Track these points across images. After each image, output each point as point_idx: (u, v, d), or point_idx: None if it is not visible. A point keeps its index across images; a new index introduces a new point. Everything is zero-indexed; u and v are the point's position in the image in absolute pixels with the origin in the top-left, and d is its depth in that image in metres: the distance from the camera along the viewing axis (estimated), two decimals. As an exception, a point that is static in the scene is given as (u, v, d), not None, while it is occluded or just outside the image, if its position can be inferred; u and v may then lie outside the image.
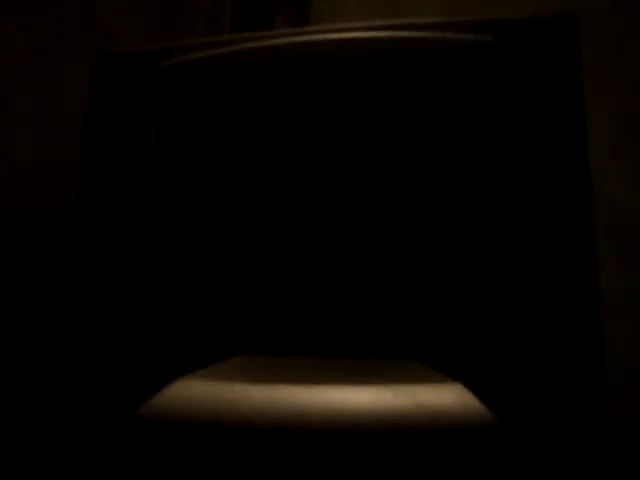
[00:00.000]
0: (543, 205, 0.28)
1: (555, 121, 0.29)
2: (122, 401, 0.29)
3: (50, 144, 0.50)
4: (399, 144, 0.31)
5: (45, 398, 0.46)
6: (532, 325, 0.27)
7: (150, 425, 0.29)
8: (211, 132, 0.32)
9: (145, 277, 0.30)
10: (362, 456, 0.27)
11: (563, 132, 0.28)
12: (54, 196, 0.50)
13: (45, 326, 0.47)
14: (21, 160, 0.49)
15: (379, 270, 0.31)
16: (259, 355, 0.31)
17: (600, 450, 0.26)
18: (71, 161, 0.48)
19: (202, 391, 0.29)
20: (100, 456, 0.30)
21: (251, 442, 0.28)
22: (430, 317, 0.30)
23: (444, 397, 0.27)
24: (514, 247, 0.27)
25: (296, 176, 0.32)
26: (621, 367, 0.52)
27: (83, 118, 0.37)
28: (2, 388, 0.45)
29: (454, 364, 0.28)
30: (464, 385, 0.27)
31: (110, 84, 0.33)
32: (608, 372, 0.27)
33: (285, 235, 0.32)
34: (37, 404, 0.46)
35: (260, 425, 0.27)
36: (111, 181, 0.32)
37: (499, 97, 0.29)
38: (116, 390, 0.30)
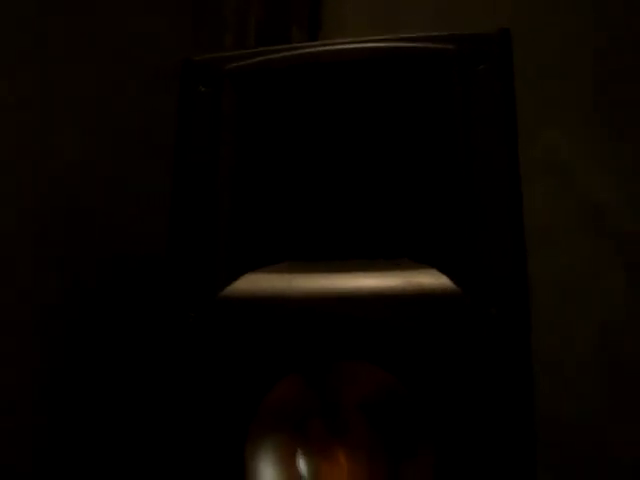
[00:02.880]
0: (484, 160, 0.43)
1: (494, 106, 0.44)
2: (208, 288, 0.44)
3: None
4: (387, 122, 0.46)
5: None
6: (485, 227, 0.42)
7: (229, 304, 0.43)
8: (269, 117, 0.47)
9: (227, 206, 0.45)
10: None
11: (499, 115, 0.43)
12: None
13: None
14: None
15: (374, 201, 0.45)
16: (300, 260, 0.45)
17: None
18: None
19: (265, 280, 0.44)
20: (189, 333, 0.44)
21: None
22: (411, 227, 0.44)
23: (425, 278, 0.42)
24: (467, 174, 0.42)
25: (324, 143, 0.47)
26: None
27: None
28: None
29: (431, 256, 0.43)
30: (439, 270, 0.42)
31: (192, 82, 0.48)
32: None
33: (316, 181, 0.46)
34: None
35: (304, 295, 0.42)
36: (199, 151, 0.46)
37: (459, 88, 0.44)
38: (204, 280, 0.44)
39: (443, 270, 0.42)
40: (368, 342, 0.42)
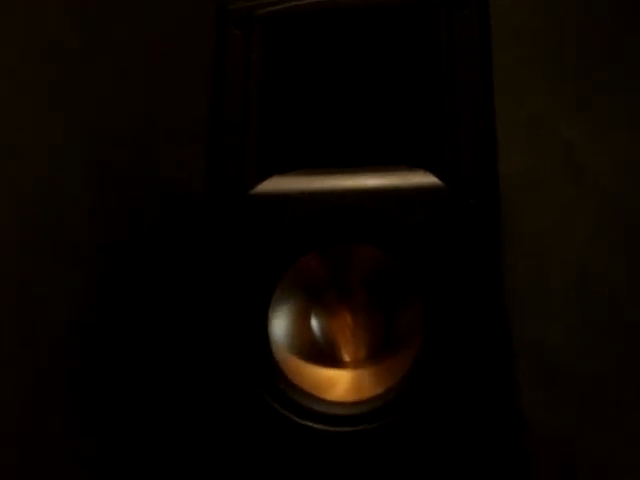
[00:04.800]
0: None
1: (475, 41, 0.54)
2: (242, 186, 0.54)
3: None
4: (387, 57, 0.56)
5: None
6: (465, 137, 0.52)
7: (258, 199, 0.54)
8: (290, 53, 0.57)
9: (255, 124, 0.55)
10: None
11: (479, 48, 0.54)
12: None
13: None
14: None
15: (376, 119, 0.55)
16: (315, 168, 0.56)
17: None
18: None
19: (287, 181, 0.54)
20: (225, 225, 0.54)
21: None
22: (405, 139, 0.54)
23: (417, 177, 0.52)
24: (451, 96, 0.52)
25: (334, 71, 0.57)
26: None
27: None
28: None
29: (422, 161, 0.53)
30: (427, 170, 0.52)
31: (227, 26, 0.58)
32: None
33: (328, 103, 0.57)
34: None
35: (319, 191, 0.52)
36: (233, 82, 0.57)
37: (446, 28, 0.54)
38: (237, 183, 0.54)
39: (431, 171, 0.52)
40: (371, 228, 0.52)
